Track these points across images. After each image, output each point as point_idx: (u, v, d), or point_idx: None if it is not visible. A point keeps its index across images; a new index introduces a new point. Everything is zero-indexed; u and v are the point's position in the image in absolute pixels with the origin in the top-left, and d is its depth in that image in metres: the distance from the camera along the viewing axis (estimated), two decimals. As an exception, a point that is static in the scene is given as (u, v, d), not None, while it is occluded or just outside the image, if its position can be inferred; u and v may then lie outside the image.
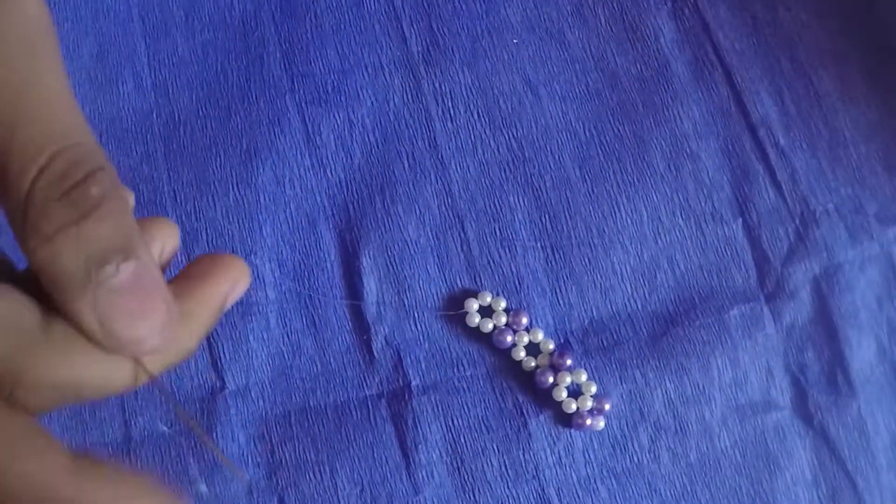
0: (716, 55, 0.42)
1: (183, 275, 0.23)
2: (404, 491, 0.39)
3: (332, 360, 0.40)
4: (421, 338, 0.40)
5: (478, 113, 0.41)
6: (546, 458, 0.39)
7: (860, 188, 0.41)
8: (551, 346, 0.39)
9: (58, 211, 0.20)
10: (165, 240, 0.24)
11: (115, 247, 0.21)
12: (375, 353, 0.40)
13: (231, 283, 0.23)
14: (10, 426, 0.19)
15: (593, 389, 0.39)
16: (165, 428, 0.37)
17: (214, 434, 0.39)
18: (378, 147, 0.42)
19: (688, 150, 0.41)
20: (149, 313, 0.21)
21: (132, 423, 0.39)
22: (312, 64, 0.43)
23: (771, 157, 0.41)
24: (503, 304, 0.39)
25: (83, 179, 0.20)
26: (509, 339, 0.39)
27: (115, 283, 0.20)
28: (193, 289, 0.23)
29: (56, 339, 0.21)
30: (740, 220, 0.40)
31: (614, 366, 0.40)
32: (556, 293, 0.40)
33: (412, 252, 0.40)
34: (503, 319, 0.39)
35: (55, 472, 0.19)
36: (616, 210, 0.40)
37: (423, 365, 0.40)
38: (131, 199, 0.23)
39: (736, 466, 0.39)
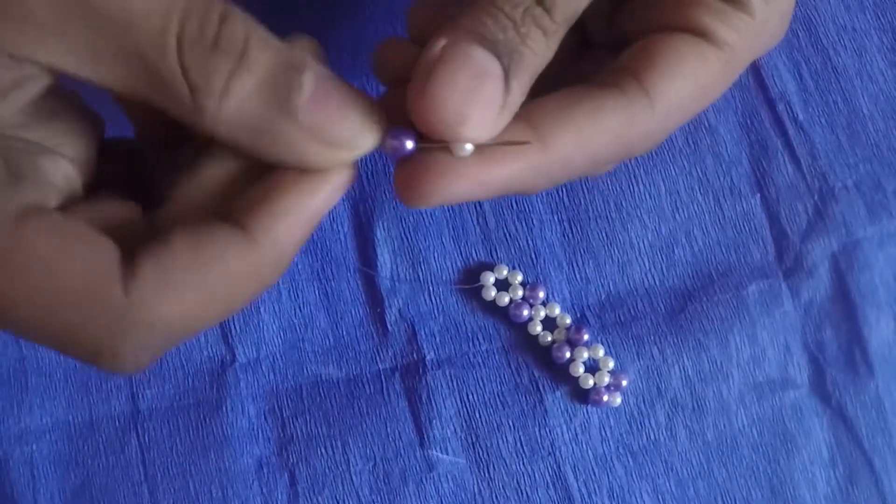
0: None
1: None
2: (418, 467, 0.38)
3: (344, 332, 0.39)
4: (436, 311, 0.39)
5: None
6: (562, 435, 0.38)
7: (879, 165, 0.40)
8: (568, 321, 0.39)
9: (218, 63, 0.20)
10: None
11: (286, 66, 0.21)
12: (389, 327, 0.39)
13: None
14: None
15: (611, 365, 0.38)
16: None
17: (224, 408, 0.38)
18: (393, 117, 0.41)
19: (706, 124, 0.40)
20: (350, 102, 0.22)
21: (140, 395, 0.38)
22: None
23: (790, 131, 0.40)
24: (520, 278, 0.39)
25: (220, 26, 0.20)
26: (525, 313, 0.38)
27: (307, 95, 0.21)
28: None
29: None
30: (759, 195, 0.40)
31: (631, 342, 0.39)
32: (572, 267, 0.39)
33: (427, 224, 0.39)
34: (519, 293, 0.39)
35: None
36: (634, 184, 0.40)
37: (438, 339, 0.39)
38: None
39: (753, 445, 0.38)
